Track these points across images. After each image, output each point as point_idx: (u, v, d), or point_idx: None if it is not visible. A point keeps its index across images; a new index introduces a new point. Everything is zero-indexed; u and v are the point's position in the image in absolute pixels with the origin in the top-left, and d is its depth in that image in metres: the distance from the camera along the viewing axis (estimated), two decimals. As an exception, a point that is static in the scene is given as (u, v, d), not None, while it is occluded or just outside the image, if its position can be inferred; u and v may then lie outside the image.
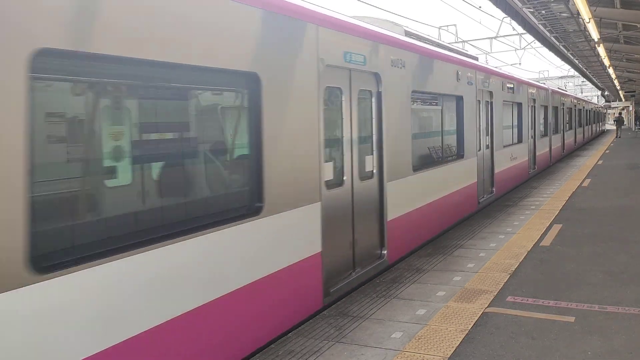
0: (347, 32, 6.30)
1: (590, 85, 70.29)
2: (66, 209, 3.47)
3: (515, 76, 15.81)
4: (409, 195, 7.90)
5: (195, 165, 4.48)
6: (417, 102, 8.62)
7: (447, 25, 29.03)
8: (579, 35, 25.65)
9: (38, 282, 2.98)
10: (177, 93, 4.32)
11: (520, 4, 19.86)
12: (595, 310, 5.55)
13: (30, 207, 2.99)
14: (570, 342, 4.82)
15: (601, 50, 24.20)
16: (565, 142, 25.68)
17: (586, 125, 37.41)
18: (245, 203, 4.77)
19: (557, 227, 9.52)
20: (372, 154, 6.94)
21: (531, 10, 20.67)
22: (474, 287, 6.35)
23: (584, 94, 78.25)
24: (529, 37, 31.97)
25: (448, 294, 6.15)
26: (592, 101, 54.93)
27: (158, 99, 4.17)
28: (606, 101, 74.76)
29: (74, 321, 3.19)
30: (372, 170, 6.94)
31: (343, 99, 6.29)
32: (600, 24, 18.31)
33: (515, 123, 15.48)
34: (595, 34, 19.26)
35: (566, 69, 55.27)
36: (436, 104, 9.68)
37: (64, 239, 3.35)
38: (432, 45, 9.87)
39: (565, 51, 31.65)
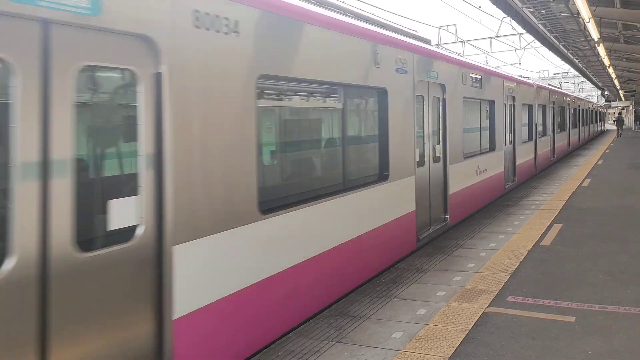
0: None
1: (589, 84, 70.32)
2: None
3: (484, 66, 12.93)
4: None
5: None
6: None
7: (447, 25, 28.97)
8: (579, 35, 25.65)
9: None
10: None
11: (520, 4, 19.87)
12: (595, 310, 5.56)
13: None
14: (571, 342, 4.81)
15: (601, 49, 24.24)
16: (555, 146, 22.69)
17: (582, 126, 34.06)
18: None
19: (557, 227, 9.53)
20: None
21: (531, 10, 20.68)
22: (474, 287, 6.35)
23: (583, 93, 78.22)
24: (528, 37, 32.04)
25: (448, 293, 6.15)
26: (591, 99, 53.14)
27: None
28: (606, 101, 74.76)
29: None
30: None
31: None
32: (600, 23, 18.33)
33: (485, 126, 12.74)
34: (595, 34, 19.28)
35: (566, 68, 55.28)
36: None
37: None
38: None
39: (565, 51, 31.67)
